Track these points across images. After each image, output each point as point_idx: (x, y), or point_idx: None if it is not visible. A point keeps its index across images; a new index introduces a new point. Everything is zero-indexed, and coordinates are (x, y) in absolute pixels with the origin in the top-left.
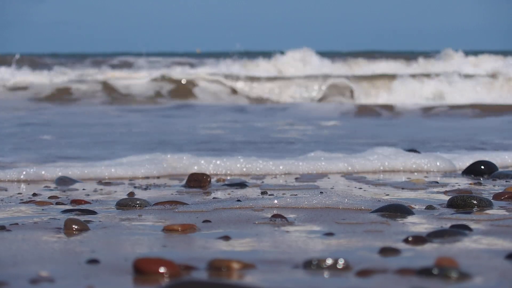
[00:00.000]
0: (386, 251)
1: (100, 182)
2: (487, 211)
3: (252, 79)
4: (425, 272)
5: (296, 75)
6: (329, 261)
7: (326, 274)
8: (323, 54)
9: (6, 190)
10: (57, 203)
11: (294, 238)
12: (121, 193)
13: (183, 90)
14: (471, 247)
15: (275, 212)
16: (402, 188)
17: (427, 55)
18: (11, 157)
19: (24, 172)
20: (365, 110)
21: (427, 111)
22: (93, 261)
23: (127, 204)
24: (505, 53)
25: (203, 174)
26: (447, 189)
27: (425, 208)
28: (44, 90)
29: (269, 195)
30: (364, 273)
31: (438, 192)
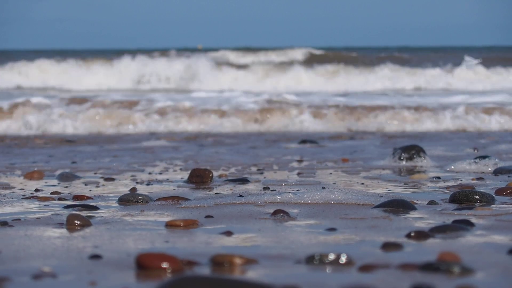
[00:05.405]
0: (389, 246)
1: (103, 177)
2: (489, 206)
3: None
4: (427, 267)
5: None
6: (332, 257)
7: (328, 269)
8: (322, 51)
9: (8, 185)
10: (59, 199)
11: (296, 234)
12: (123, 188)
13: None
14: (474, 242)
15: (277, 207)
16: (405, 184)
17: None
18: None
19: None
20: None
21: None
22: (96, 257)
23: (129, 199)
24: (500, 48)
25: (205, 170)
26: (450, 184)
27: (427, 204)
28: None
29: (271, 190)
30: (366, 268)
31: (440, 188)
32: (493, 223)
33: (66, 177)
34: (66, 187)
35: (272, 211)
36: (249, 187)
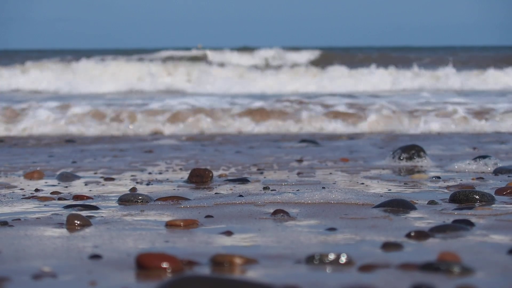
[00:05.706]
0: (389, 246)
1: (103, 177)
2: (489, 206)
3: None
4: (427, 267)
5: None
6: (332, 256)
7: (328, 269)
8: (323, 50)
9: (8, 185)
10: (59, 199)
11: (296, 233)
12: (123, 188)
13: None
14: (474, 242)
15: (277, 207)
16: (405, 183)
17: None
18: None
19: None
20: None
21: None
22: (96, 257)
23: (129, 199)
24: (499, 48)
25: (205, 170)
26: (450, 184)
27: (427, 203)
28: None
29: (271, 190)
30: (366, 268)
31: (440, 187)
32: (493, 223)
33: (66, 177)
34: (66, 187)
35: (272, 211)
36: (249, 187)
